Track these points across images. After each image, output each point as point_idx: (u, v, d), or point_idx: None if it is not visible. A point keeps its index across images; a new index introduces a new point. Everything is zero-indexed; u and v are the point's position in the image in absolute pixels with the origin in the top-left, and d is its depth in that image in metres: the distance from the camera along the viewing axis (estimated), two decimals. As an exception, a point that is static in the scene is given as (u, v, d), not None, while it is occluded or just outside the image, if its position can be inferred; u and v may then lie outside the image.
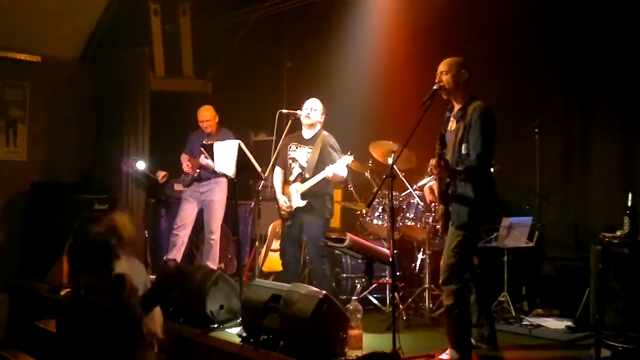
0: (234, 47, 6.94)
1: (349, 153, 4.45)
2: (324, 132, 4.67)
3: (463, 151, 3.36)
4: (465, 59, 3.48)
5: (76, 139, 6.83)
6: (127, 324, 2.95)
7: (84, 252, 2.95)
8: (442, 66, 3.47)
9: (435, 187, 3.55)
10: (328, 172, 4.41)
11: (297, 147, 4.69)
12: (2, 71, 6.44)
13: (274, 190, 4.81)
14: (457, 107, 3.49)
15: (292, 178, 4.65)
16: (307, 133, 4.69)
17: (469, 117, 3.36)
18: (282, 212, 4.66)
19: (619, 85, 4.62)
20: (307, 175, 4.55)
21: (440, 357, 3.49)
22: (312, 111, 4.62)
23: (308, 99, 4.72)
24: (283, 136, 4.67)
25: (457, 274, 3.37)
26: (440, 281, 3.44)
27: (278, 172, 4.77)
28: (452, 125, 3.51)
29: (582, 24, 4.77)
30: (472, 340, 3.50)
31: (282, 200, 4.65)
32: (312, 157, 4.57)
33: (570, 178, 4.99)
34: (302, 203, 4.52)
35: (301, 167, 4.63)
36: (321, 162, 4.55)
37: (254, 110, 6.88)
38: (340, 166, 4.38)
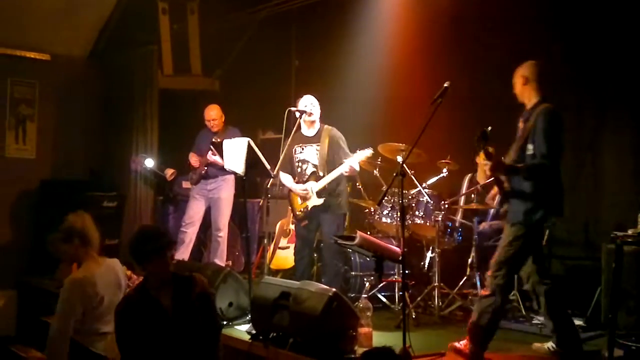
0: (242, 45, 6.94)
1: (369, 147, 4.45)
2: (327, 126, 4.62)
3: (528, 152, 3.41)
4: (532, 63, 3.56)
5: (85, 136, 6.86)
6: (191, 329, 2.86)
7: (134, 246, 2.91)
8: None
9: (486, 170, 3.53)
10: (345, 167, 4.38)
11: (303, 148, 4.63)
12: (11, 69, 6.48)
13: (286, 189, 4.78)
14: (527, 107, 3.58)
15: (305, 179, 4.61)
16: (309, 131, 4.62)
17: (534, 119, 3.43)
18: (298, 213, 4.61)
19: (631, 84, 4.57)
20: (320, 173, 4.51)
21: (455, 344, 3.50)
22: (312, 107, 4.56)
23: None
24: (290, 137, 4.61)
25: (505, 271, 3.39)
26: (488, 273, 3.48)
27: (285, 177, 4.69)
28: (520, 125, 3.58)
29: (594, 22, 4.73)
30: (554, 346, 3.54)
31: (301, 188, 4.52)
32: (322, 153, 4.52)
33: (580, 176, 4.95)
34: (319, 201, 4.48)
35: (314, 165, 4.58)
36: (332, 158, 4.51)
37: (261, 109, 6.87)
38: (356, 160, 4.37)
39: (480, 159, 3.35)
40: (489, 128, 3.27)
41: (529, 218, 3.38)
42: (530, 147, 3.40)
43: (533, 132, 3.41)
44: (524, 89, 3.54)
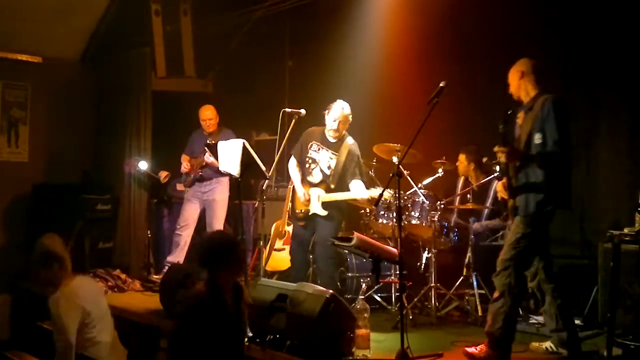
0: (235, 46, 6.91)
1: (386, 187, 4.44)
2: (349, 140, 4.54)
3: (536, 141, 3.36)
4: (525, 59, 3.56)
5: (78, 139, 6.82)
6: (241, 334, 3.07)
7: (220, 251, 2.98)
8: None
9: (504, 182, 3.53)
10: (356, 196, 4.35)
11: (319, 149, 4.57)
12: (3, 72, 6.43)
13: (291, 183, 4.71)
14: (525, 100, 3.55)
15: (312, 179, 4.57)
16: (331, 137, 4.55)
17: (540, 108, 3.38)
18: (298, 211, 4.60)
19: (625, 80, 4.58)
20: (332, 186, 4.47)
21: (468, 349, 3.46)
22: (341, 124, 4.45)
23: (333, 101, 4.49)
24: (310, 130, 4.57)
25: (512, 269, 3.34)
26: (494, 274, 3.43)
27: (294, 164, 4.67)
28: (520, 117, 3.54)
29: (589, 17, 4.73)
30: (553, 346, 3.54)
31: (301, 192, 4.52)
32: (337, 165, 4.47)
33: (575, 175, 4.93)
34: (324, 213, 4.46)
35: (323, 172, 4.55)
36: (346, 173, 4.47)
37: (255, 110, 6.85)
38: (366, 194, 4.31)
39: (497, 147, 3.31)
40: (510, 111, 3.27)
41: (540, 210, 3.34)
42: (537, 136, 3.36)
43: (540, 121, 3.36)
44: (520, 84, 3.53)
